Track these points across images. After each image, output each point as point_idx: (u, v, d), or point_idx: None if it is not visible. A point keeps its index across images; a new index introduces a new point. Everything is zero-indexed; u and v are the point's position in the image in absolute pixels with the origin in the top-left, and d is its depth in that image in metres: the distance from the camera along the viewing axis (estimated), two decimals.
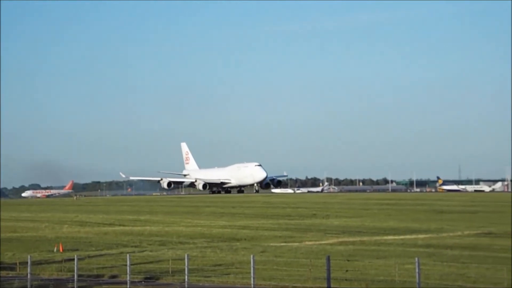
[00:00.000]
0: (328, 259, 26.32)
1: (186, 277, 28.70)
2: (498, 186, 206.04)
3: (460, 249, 35.76)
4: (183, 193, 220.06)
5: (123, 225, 65.88)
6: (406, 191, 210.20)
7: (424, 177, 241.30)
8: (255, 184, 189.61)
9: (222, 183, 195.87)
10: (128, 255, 30.50)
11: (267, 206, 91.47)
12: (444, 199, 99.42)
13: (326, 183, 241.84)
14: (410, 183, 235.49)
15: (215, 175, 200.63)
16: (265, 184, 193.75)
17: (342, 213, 77.09)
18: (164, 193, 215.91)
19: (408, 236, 47.42)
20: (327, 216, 72.84)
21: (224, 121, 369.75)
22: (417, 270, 24.85)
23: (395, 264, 30.88)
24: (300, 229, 58.63)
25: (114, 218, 75.01)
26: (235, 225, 62.69)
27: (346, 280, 28.69)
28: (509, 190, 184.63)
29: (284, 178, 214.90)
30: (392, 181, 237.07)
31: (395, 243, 42.80)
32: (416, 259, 24.67)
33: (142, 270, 34.03)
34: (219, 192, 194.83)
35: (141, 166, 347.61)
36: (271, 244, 45.39)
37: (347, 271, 30.42)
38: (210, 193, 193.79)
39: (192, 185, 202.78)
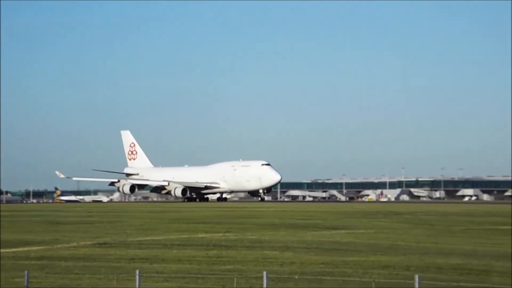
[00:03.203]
0: None
1: None
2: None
3: (75, 260, 34.55)
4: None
5: None
6: (22, 202, 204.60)
7: (41, 187, 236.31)
8: (261, 191, 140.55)
9: (207, 187, 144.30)
10: None
11: None
12: (62, 210, 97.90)
13: None
14: (27, 194, 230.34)
15: (193, 176, 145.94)
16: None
17: None
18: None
19: (20, 249, 45.27)
20: None
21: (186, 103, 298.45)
22: (25, 284, 23.34)
23: (4, 278, 28.89)
24: None
25: None
26: None
27: None
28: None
29: None
30: (7, 192, 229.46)
31: (7, 256, 40.50)
32: (26, 272, 23.11)
33: None
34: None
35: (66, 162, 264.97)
36: None
37: None
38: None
39: (158, 189, 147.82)
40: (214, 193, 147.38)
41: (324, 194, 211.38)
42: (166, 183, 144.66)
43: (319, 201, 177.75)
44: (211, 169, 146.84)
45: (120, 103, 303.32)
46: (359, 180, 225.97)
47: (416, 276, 19.12)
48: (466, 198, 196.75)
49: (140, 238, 42.33)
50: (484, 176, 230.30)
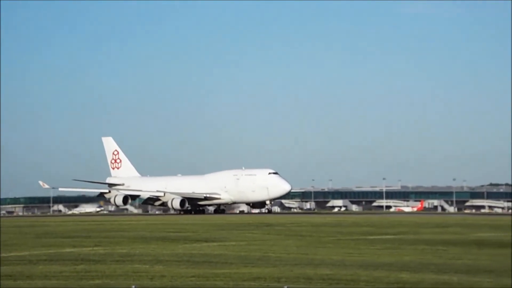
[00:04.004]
0: None
1: None
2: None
3: None
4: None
5: None
6: None
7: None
8: (268, 202, 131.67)
9: (207, 198, 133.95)
10: None
11: None
12: None
13: None
14: None
15: (190, 186, 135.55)
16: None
17: None
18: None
19: None
20: None
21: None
22: None
23: None
24: None
25: None
26: None
27: None
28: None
29: None
30: None
31: None
32: None
33: None
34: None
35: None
36: None
37: None
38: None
39: (151, 201, 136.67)
40: (211, 205, 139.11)
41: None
42: (161, 194, 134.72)
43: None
44: (209, 178, 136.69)
45: (101, 106, 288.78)
46: None
47: (285, 287, 19.06)
48: (336, 209, 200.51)
49: (3, 255, 40.75)
50: (353, 187, 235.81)
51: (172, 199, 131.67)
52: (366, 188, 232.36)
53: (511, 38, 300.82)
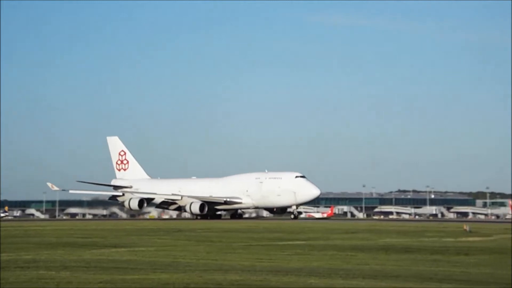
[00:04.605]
0: None
1: None
2: None
3: None
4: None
5: None
6: None
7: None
8: (294, 207, 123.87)
9: (227, 203, 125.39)
10: None
11: None
12: None
13: None
14: None
15: (207, 190, 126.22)
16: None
17: None
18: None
19: None
20: None
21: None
22: None
23: None
24: None
25: None
26: None
27: None
28: None
29: None
30: None
31: None
32: None
33: None
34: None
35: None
36: None
37: None
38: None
39: (165, 204, 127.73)
40: (229, 210, 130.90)
41: (104, 212, 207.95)
42: (178, 197, 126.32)
43: (99, 218, 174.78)
44: (229, 181, 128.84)
45: (107, 105, 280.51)
46: None
47: None
48: (246, 215, 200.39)
49: None
50: None
51: (191, 203, 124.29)
52: None
53: (511, 38, 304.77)
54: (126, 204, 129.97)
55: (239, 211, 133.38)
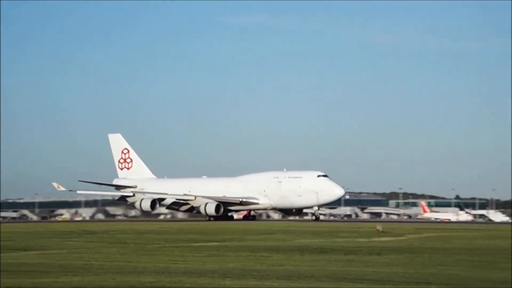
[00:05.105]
0: None
1: None
2: None
3: None
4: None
5: None
6: None
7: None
8: (316, 208, 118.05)
9: (242, 203, 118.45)
10: None
11: None
12: None
13: None
14: None
15: (220, 189, 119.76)
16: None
17: None
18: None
19: None
20: None
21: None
22: None
23: None
24: None
25: None
26: None
27: None
28: None
29: None
30: None
31: None
32: None
33: None
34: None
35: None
36: None
37: None
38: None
39: (177, 205, 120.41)
40: (242, 210, 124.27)
41: (14, 214, 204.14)
42: (191, 198, 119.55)
43: (8, 221, 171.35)
44: (244, 180, 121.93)
45: (108, 102, 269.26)
46: (53, 199, 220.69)
47: None
48: (162, 216, 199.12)
49: None
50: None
51: (206, 204, 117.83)
52: None
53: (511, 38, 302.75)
54: (137, 205, 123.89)
55: (252, 212, 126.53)
